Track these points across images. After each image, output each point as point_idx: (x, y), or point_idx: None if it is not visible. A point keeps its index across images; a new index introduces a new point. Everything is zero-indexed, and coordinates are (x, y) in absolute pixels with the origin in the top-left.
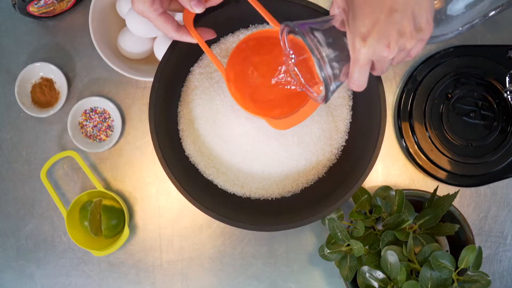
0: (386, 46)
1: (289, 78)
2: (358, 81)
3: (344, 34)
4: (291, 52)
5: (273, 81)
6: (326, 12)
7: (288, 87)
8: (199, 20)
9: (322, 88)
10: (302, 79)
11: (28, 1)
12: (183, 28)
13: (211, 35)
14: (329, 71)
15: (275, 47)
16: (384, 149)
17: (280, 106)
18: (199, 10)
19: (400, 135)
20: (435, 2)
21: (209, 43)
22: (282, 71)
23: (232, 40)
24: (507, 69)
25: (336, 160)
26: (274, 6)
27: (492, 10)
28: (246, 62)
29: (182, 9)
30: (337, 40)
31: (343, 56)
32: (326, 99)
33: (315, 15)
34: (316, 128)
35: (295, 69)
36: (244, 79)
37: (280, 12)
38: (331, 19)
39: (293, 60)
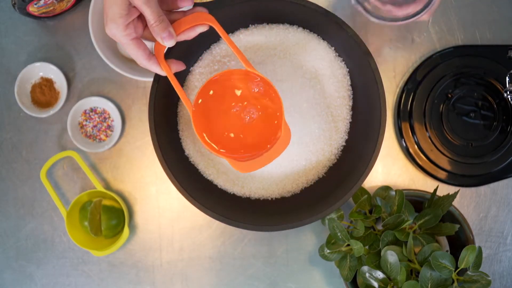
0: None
1: (252, 115)
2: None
3: None
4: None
5: (234, 114)
6: (324, 12)
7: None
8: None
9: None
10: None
11: (28, 1)
12: (153, 58)
13: (181, 67)
14: None
15: (240, 83)
16: (384, 149)
17: (245, 148)
18: (169, 43)
19: (400, 135)
20: None
21: (210, 43)
22: (243, 106)
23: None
24: (507, 69)
25: (336, 160)
26: (274, 6)
27: None
28: (214, 100)
29: (154, 38)
30: None
31: None
32: None
33: (315, 15)
34: (316, 128)
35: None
36: (210, 119)
37: (281, 12)
38: None
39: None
